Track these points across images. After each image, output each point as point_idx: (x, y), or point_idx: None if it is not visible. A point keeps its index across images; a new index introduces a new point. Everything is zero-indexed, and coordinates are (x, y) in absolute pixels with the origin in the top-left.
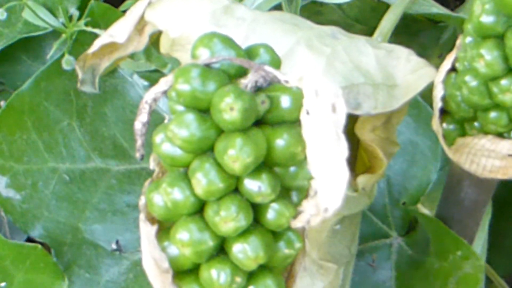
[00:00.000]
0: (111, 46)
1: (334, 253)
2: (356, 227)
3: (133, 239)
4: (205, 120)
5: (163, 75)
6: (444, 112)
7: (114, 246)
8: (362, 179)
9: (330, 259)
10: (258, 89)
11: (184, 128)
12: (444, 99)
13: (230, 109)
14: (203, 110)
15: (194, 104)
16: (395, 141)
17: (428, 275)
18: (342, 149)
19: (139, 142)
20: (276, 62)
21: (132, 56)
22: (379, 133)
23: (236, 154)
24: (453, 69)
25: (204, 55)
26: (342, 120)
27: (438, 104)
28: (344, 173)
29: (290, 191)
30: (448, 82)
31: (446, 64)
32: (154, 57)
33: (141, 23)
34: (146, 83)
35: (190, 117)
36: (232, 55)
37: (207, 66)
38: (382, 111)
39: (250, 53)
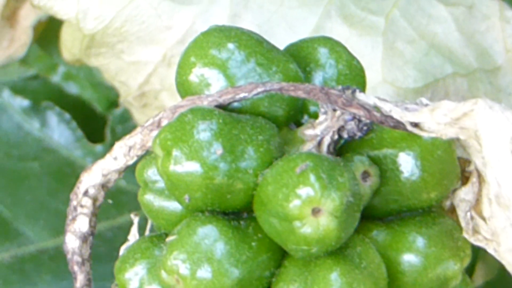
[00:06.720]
0: None
1: None
2: None
3: None
4: (246, 237)
5: (50, 85)
6: None
7: None
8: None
9: None
10: (344, 145)
11: (204, 263)
12: None
13: (312, 212)
14: (235, 211)
15: (214, 202)
16: None
17: None
18: None
19: (79, 278)
20: (361, 76)
21: None
22: None
23: None
24: None
25: (214, 84)
26: None
27: None
28: None
29: None
30: None
31: None
32: (33, 56)
33: (9, 6)
34: (26, 102)
35: (213, 233)
36: (273, 76)
37: (224, 109)
38: None
39: (297, 59)
